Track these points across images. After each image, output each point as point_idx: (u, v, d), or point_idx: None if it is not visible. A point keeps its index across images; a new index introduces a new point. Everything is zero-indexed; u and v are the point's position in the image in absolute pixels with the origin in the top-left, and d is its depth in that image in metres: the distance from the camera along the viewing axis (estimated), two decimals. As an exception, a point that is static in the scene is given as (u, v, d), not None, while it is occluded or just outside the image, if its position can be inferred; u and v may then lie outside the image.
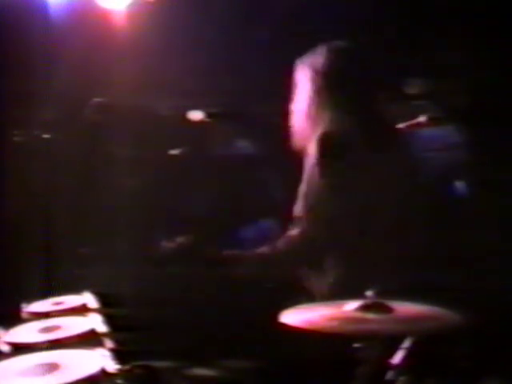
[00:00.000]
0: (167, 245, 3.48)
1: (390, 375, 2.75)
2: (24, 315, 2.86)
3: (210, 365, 4.12)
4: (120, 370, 2.22)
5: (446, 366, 2.91)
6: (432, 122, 3.69)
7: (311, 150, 3.09)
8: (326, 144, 3.04)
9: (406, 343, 2.78)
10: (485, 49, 4.34)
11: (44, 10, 4.46)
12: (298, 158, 3.24)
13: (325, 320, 2.48)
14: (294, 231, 3.13)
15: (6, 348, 2.48)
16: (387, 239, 3.10)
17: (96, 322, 2.64)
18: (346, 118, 3.09)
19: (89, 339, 2.49)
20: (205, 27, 4.45)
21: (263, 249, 3.20)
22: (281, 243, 3.19)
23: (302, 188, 3.11)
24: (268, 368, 3.86)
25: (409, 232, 3.13)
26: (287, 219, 3.40)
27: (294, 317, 2.52)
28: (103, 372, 2.19)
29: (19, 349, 2.45)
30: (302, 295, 3.16)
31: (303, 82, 3.26)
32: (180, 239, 3.48)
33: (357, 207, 3.03)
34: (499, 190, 4.22)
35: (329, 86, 3.16)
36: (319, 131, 3.12)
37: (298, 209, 3.12)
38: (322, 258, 3.13)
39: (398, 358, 2.77)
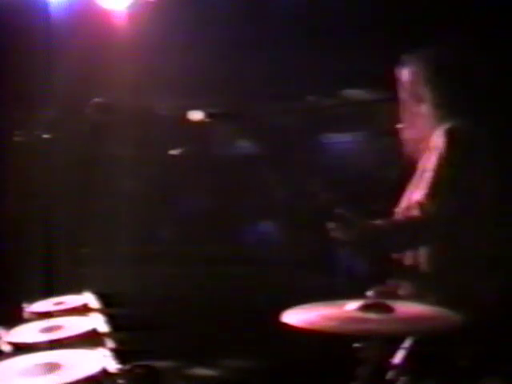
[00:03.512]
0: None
1: (390, 375, 2.75)
2: (25, 315, 2.87)
3: (209, 365, 4.13)
4: (121, 369, 2.23)
5: (446, 366, 2.91)
6: None
7: (436, 143, 3.22)
8: (456, 136, 3.20)
9: (406, 343, 2.79)
10: (485, 49, 4.34)
11: (44, 9, 4.46)
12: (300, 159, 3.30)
13: (325, 320, 2.49)
14: (414, 212, 3.18)
15: (7, 348, 2.49)
16: (487, 238, 3.19)
17: (97, 322, 2.65)
18: (463, 118, 3.24)
19: (90, 339, 2.50)
20: (205, 27, 4.45)
21: (379, 221, 3.24)
22: (399, 219, 3.26)
23: (427, 175, 3.20)
24: (268, 368, 3.87)
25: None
26: (287, 219, 3.43)
27: (294, 317, 2.52)
28: (104, 372, 2.20)
29: (21, 349, 2.46)
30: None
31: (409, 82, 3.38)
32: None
33: (474, 201, 3.16)
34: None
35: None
36: (442, 126, 3.22)
37: (417, 195, 3.21)
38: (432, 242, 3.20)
39: (398, 357, 2.78)
